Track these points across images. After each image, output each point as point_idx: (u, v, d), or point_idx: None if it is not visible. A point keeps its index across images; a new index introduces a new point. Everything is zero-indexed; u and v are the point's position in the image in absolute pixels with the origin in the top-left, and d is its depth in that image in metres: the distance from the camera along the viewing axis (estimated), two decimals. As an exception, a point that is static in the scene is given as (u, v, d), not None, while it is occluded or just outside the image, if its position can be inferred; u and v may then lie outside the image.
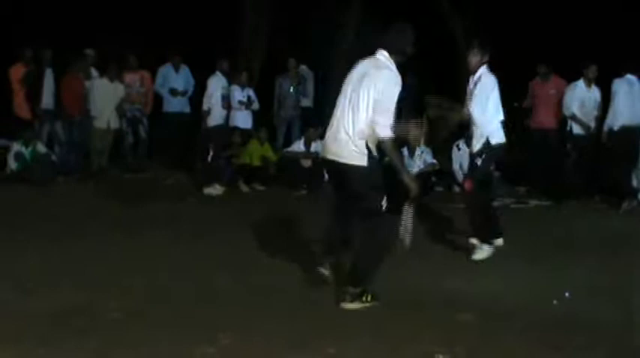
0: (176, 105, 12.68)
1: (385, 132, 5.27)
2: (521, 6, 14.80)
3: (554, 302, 5.55)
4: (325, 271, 5.64)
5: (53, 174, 10.96)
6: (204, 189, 10.48)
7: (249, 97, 11.85)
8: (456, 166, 10.92)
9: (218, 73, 11.22)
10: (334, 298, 5.45)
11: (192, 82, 12.73)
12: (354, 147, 5.30)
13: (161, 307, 5.27)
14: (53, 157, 11.36)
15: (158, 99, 12.70)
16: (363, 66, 5.50)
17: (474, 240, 6.93)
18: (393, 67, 5.43)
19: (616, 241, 7.79)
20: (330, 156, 5.46)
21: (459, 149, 10.77)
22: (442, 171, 11.10)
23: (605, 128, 10.17)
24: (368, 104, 5.29)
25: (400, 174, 5.43)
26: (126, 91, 11.97)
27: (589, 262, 6.78)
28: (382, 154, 5.48)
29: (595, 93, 10.57)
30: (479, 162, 6.92)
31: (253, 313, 5.18)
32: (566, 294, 5.69)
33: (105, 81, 11.79)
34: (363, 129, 5.28)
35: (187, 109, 12.72)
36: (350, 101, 5.37)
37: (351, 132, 5.31)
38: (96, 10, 15.25)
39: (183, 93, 12.67)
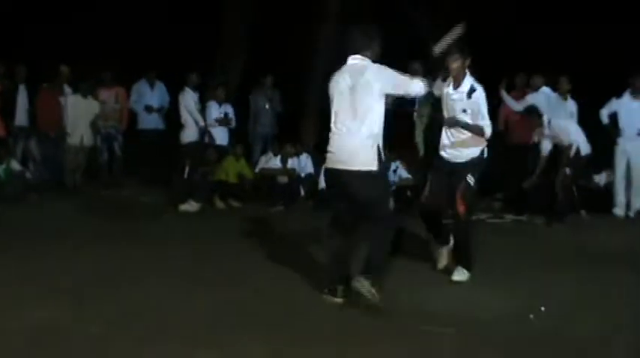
0: (151, 121, 12.65)
1: (420, 90, 5.70)
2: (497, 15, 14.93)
3: (531, 316, 5.57)
4: (339, 299, 5.78)
5: (27, 191, 10.86)
6: (179, 206, 10.43)
7: (226, 114, 11.78)
8: None
9: (187, 89, 11.08)
10: (302, 313, 5.48)
11: (167, 98, 12.71)
12: (367, 153, 5.55)
13: (138, 322, 5.21)
14: (27, 174, 11.27)
15: (133, 116, 12.64)
16: (344, 78, 5.70)
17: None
18: (370, 62, 5.67)
19: (593, 255, 7.85)
20: (341, 166, 5.67)
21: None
22: (417, 186, 11.13)
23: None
24: (372, 109, 5.57)
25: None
26: (100, 108, 11.89)
27: (566, 276, 6.81)
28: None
29: (571, 106, 10.64)
30: (471, 180, 6.51)
31: (234, 328, 5.15)
32: (542, 308, 5.71)
33: (78, 97, 11.72)
34: (369, 133, 5.56)
35: (162, 126, 12.68)
36: (353, 114, 5.59)
37: (363, 140, 5.56)
38: (70, 25, 15.19)
39: (159, 110, 12.64)
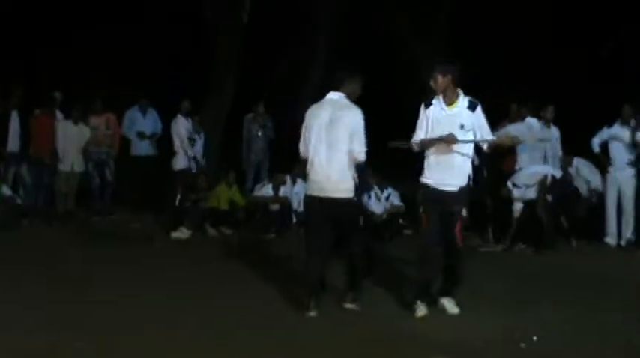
0: (143, 148, 12.67)
1: (362, 156, 6.27)
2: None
3: (522, 345, 5.56)
4: (312, 312, 6.19)
5: (18, 217, 10.84)
6: (171, 234, 10.41)
7: (202, 142, 11.86)
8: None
9: (179, 116, 11.28)
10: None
11: (159, 124, 12.74)
12: (346, 183, 6.26)
13: (128, 347, 5.21)
14: (18, 200, 11.24)
15: (126, 142, 12.64)
16: (324, 110, 6.33)
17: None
18: (348, 101, 6.34)
19: (585, 284, 7.85)
20: (326, 194, 6.29)
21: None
22: (409, 214, 11.16)
23: None
24: (346, 141, 6.19)
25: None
26: (92, 134, 11.89)
27: (558, 305, 6.80)
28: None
29: (554, 132, 10.77)
30: (464, 211, 6.46)
31: (223, 351, 5.17)
32: (534, 338, 5.71)
33: (69, 123, 11.72)
34: (347, 161, 6.22)
35: (154, 152, 12.68)
36: (329, 145, 6.24)
37: (341, 169, 6.23)
38: (63, 52, 15.25)
39: (151, 137, 12.66)
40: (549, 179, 9.96)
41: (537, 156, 10.47)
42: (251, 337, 5.58)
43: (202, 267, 8.33)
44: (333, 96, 6.39)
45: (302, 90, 14.89)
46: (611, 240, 10.52)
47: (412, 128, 6.48)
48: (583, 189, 10.53)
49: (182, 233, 10.46)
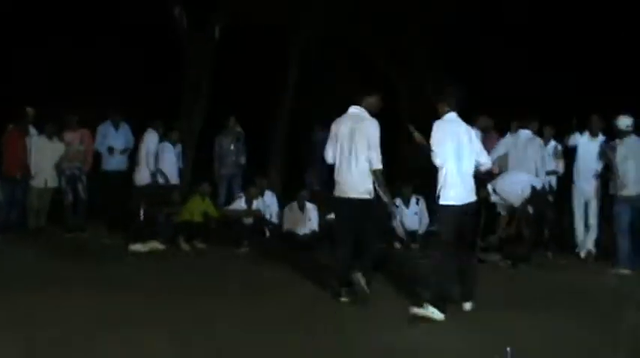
0: (114, 163, 12.60)
1: (378, 164, 7.19)
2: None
3: (495, 357, 5.64)
4: (345, 298, 7.23)
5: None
6: (130, 246, 10.39)
7: (177, 154, 11.90)
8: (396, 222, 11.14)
9: (150, 130, 11.22)
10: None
11: (132, 139, 12.67)
12: (365, 186, 7.23)
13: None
14: (-9, 217, 11.16)
15: (97, 157, 12.60)
16: (345, 123, 7.36)
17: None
18: (369, 115, 7.33)
19: (560, 294, 8.03)
20: (347, 195, 7.32)
21: (397, 206, 11.05)
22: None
23: None
24: (364, 149, 7.17)
25: (384, 196, 7.36)
26: (65, 149, 11.83)
27: (530, 316, 6.91)
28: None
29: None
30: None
31: None
32: (507, 349, 5.78)
33: (43, 139, 11.66)
34: (366, 167, 7.19)
35: (125, 167, 12.62)
36: (350, 152, 7.25)
37: (360, 174, 7.21)
38: (36, 68, 15.20)
39: (122, 151, 12.62)
40: (529, 189, 9.93)
41: (525, 165, 10.51)
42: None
43: (170, 282, 8.34)
44: (355, 109, 7.40)
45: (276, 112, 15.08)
46: (580, 251, 10.64)
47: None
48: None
49: (143, 246, 10.41)
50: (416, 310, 6.61)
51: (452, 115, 6.89)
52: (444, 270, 6.78)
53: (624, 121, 9.92)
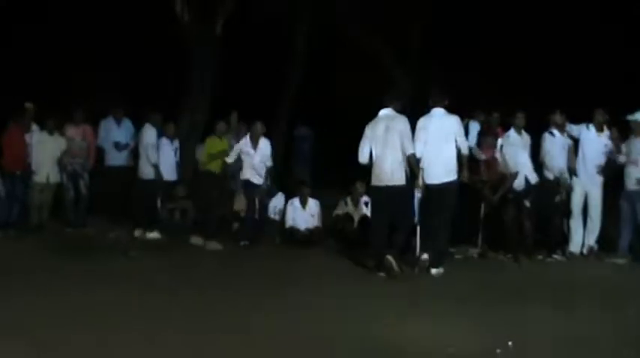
0: (117, 159, 12.59)
1: (410, 150, 8.56)
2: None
3: (498, 350, 5.63)
4: (383, 273, 8.39)
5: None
6: (138, 232, 10.82)
7: (175, 149, 11.91)
8: None
9: (148, 125, 11.49)
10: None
11: (134, 135, 12.63)
12: (401, 174, 8.53)
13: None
14: (-7, 213, 11.14)
15: (100, 153, 12.58)
16: (380, 123, 8.71)
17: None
18: (396, 113, 8.77)
19: (560, 290, 8.02)
20: (385, 183, 8.59)
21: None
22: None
23: None
24: (397, 142, 8.53)
25: (417, 179, 8.70)
26: (67, 145, 11.81)
27: (536, 311, 6.91)
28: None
29: (526, 139, 10.80)
30: None
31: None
32: (509, 343, 5.77)
33: (44, 134, 11.64)
34: (400, 158, 8.51)
35: (128, 163, 12.61)
36: (386, 146, 8.57)
37: (396, 164, 8.51)
38: (37, 62, 15.19)
39: (125, 146, 12.60)
40: (517, 180, 9.89)
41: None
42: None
43: (177, 276, 8.35)
44: (385, 111, 8.80)
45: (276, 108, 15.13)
46: (574, 248, 10.41)
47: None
48: None
49: (146, 234, 10.95)
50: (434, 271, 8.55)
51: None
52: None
53: None
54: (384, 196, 8.64)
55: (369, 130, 8.76)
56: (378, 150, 8.63)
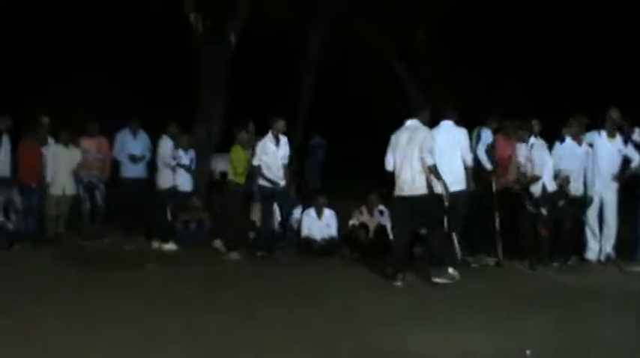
0: (134, 170, 12.63)
1: (431, 161, 8.62)
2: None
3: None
4: (399, 283, 8.50)
5: (9, 242, 10.84)
6: (163, 246, 10.93)
7: (191, 160, 11.89)
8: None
9: (165, 137, 11.56)
10: None
11: (150, 146, 12.70)
12: (422, 183, 8.65)
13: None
14: (9, 225, 11.19)
15: (116, 165, 12.64)
16: (404, 133, 8.88)
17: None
18: (421, 124, 8.92)
19: (576, 297, 8.00)
20: (405, 193, 8.73)
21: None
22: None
23: None
24: (418, 152, 8.64)
25: (444, 188, 8.66)
26: (83, 157, 11.88)
27: (553, 319, 6.90)
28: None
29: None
30: None
31: None
32: (527, 352, 5.77)
33: (60, 147, 11.69)
34: (420, 168, 8.63)
35: (145, 175, 12.67)
36: (407, 156, 8.69)
37: (415, 173, 8.64)
38: (51, 76, 15.30)
39: (141, 159, 12.65)
40: (540, 188, 9.88)
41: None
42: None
43: (196, 288, 8.36)
44: (411, 122, 8.96)
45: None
46: (592, 255, 10.34)
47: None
48: None
49: (171, 246, 11.01)
50: (437, 279, 8.40)
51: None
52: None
53: None
54: (407, 206, 8.77)
55: (393, 139, 8.96)
56: (398, 161, 8.81)
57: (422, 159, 8.64)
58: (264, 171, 10.62)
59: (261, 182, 10.66)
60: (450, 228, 9.27)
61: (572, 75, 15.55)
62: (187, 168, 11.70)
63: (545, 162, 9.95)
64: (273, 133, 10.73)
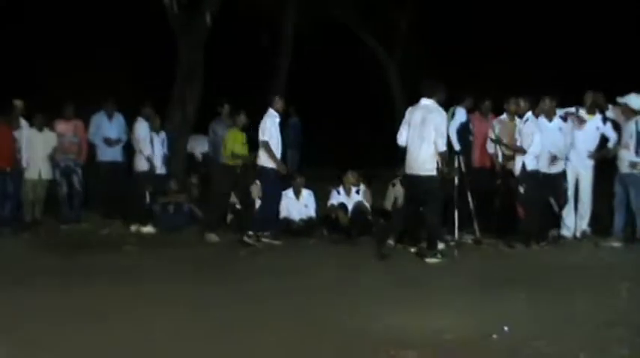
0: (109, 153, 12.53)
1: (442, 147, 8.79)
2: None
3: (494, 336, 5.67)
4: (385, 252, 8.86)
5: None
6: (141, 229, 10.96)
7: (162, 141, 11.95)
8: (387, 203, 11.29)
9: (140, 119, 11.63)
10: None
11: (126, 129, 12.60)
12: (432, 165, 8.76)
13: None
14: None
15: (92, 148, 12.53)
16: (419, 112, 8.89)
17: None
18: (437, 106, 8.89)
19: (552, 274, 8.05)
20: (414, 172, 8.89)
21: (394, 186, 11.12)
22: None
23: None
24: (433, 134, 8.69)
25: (451, 169, 9.42)
26: (59, 141, 11.77)
27: (530, 295, 6.95)
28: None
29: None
30: None
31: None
32: (505, 328, 5.82)
33: (34, 131, 11.57)
34: (432, 150, 8.71)
35: (121, 158, 12.59)
36: (420, 137, 8.75)
37: (427, 155, 8.74)
38: (23, 58, 15.14)
39: (117, 142, 12.55)
40: (519, 166, 9.82)
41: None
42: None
43: (176, 269, 8.36)
44: (426, 101, 8.90)
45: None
46: (567, 232, 10.37)
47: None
48: None
49: (150, 228, 11.02)
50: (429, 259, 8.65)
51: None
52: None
53: (637, 101, 9.74)
54: (415, 184, 8.96)
55: (408, 115, 9.00)
56: (411, 140, 8.86)
57: (434, 143, 8.70)
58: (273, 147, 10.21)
59: (269, 164, 10.25)
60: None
61: (554, 59, 15.61)
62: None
63: (534, 138, 9.84)
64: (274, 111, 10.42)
